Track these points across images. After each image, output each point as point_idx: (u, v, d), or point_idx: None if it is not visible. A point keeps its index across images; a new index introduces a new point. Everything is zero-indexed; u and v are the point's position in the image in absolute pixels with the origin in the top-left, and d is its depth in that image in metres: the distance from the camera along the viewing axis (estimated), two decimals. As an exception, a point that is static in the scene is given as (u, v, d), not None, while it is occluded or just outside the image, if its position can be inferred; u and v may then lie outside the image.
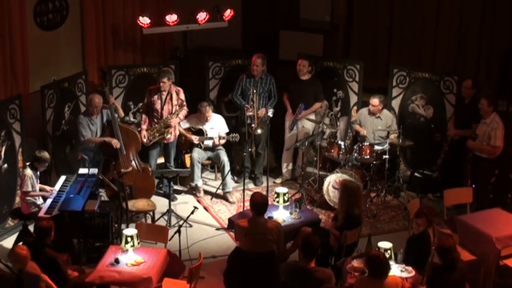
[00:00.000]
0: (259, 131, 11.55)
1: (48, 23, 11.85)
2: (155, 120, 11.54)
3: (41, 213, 9.59)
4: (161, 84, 11.36)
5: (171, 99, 11.49)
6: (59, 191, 10.19)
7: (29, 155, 10.45)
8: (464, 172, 11.33)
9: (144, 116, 11.62)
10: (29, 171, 9.94)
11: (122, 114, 11.47)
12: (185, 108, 11.62)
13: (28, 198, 9.97)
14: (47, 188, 10.30)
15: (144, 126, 11.49)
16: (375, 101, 11.69)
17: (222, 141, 11.93)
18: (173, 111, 11.50)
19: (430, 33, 13.40)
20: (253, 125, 11.57)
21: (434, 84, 11.99)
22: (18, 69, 11.00)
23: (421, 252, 8.47)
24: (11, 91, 10.88)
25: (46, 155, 10.07)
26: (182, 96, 11.66)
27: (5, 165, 10.43)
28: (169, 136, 11.58)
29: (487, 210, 9.83)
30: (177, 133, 11.79)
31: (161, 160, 12.04)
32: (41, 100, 10.98)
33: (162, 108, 11.47)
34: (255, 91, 11.55)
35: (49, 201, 9.90)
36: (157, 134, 11.49)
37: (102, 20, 12.60)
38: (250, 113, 11.65)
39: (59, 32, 12.06)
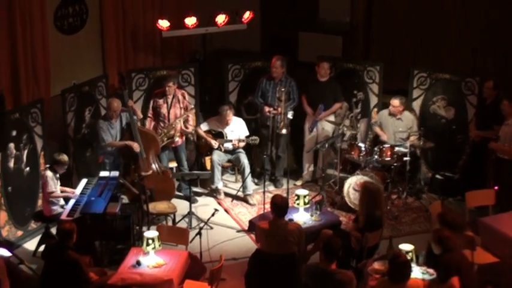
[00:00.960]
0: (284, 130, 11.52)
1: (68, 27, 11.91)
2: (161, 124, 11.56)
3: (63, 216, 9.64)
4: (167, 88, 11.39)
5: (177, 102, 11.52)
6: (80, 193, 10.24)
7: (50, 158, 10.51)
8: (486, 174, 11.26)
9: (148, 122, 11.63)
10: (49, 173, 10.02)
11: (141, 115, 11.52)
12: (191, 111, 11.65)
13: (50, 199, 10.03)
14: (68, 190, 10.35)
15: None
16: (395, 102, 11.65)
17: (242, 144, 11.93)
18: (180, 115, 11.52)
19: (451, 33, 13.30)
20: (279, 125, 11.53)
21: (456, 86, 11.94)
22: (40, 73, 11.06)
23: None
24: (33, 95, 10.93)
25: (65, 157, 10.13)
26: (188, 98, 11.70)
27: (27, 169, 10.50)
28: (177, 139, 11.59)
29: (510, 212, 9.78)
30: (182, 134, 11.81)
31: (172, 164, 12.03)
32: (62, 104, 11.04)
33: (168, 112, 11.49)
34: (283, 89, 11.52)
35: (71, 203, 9.95)
36: (165, 138, 11.50)
37: (122, 23, 12.64)
38: (275, 112, 11.63)
39: (79, 36, 12.12)
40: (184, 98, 11.63)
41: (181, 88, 12.09)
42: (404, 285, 7.48)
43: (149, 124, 11.61)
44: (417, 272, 8.14)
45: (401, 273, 7.49)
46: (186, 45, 13.86)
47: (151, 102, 11.63)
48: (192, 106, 11.85)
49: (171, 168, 11.91)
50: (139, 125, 11.37)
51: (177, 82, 11.72)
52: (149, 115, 11.66)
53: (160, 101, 11.53)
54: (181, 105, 11.58)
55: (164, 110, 11.51)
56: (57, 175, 10.14)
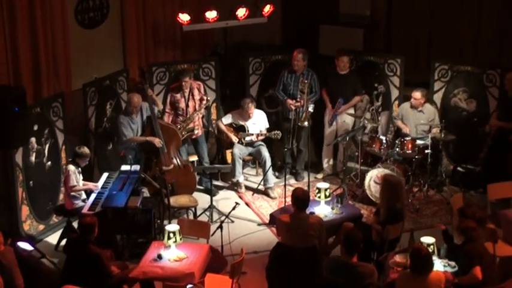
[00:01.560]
0: (306, 123, 11.51)
1: (89, 21, 11.93)
2: (180, 118, 11.58)
3: (85, 210, 9.68)
4: (183, 83, 11.43)
5: (193, 95, 11.55)
6: (101, 187, 10.27)
7: (71, 152, 10.55)
8: (508, 166, 11.18)
9: (166, 117, 11.65)
10: (71, 167, 10.05)
11: (161, 106, 11.53)
12: (204, 102, 11.68)
13: (72, 193, 10.07)
14: (90, 184, 10.40)
15: None
16: (417, 94, 11.62)
17: (261, 137, 11.93)
18: (198, 107, 11.54)
19: (472, 25, 13.23)
20: (302, 118, 11.52)
21: (477, 78, 11.88)
22: (61, 68, 11.09)
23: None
24: (54, 89, 10.97)
25: (86, 150, 10.16)
26: (203, 90, 11.75)
27: (49, 163, 10.56)
28: (197, 131, 11.62)
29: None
30: (202, 126, 11.83)
31: (193, 158, 12.05)
32: (83, 98, 11.07)
33: (187, 106, 11.52)
34: (306, 81, 11.51)
35: (92, 197, 10.00)
36: (184, 132, 11.51)
37: (142, 18, 12.65)
38: (298, 104, 11.63)
39: (99, 30, 12.13)
40: (199, 90, 11.66)
41: (198, 80, 12.09)
42: (426, 277, 7.47)
43: (167, 119, 11.64)
44: (439, 265, 8.12)
45: (423, 266, 7.48)
46: (207, 38, 13.85)
47: (169, 97, 11.67)
48: (208, 98, 11.84)
49: (192, 162, 11.93)
50: (159, 117, 11.39)
51: (192, 76, 11.73)
52: (167, 110, 11.68)
53: (178, 96, 11.56)
54: (197, 97, 11.61)
55: (182, 104, 11.55)
56: (79, 169, 10.18)
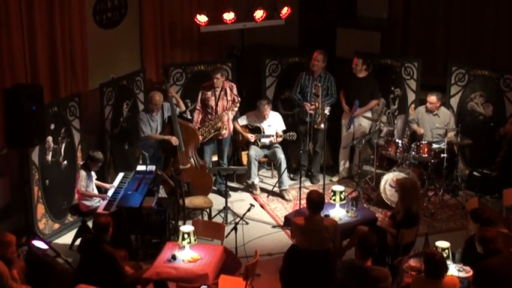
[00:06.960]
0: (322, 125, 11.49)
1: (107, 21, 11.95)
2: (209, 116, 11.59)
3: (100, 210, 9.72)
4: (215, 80, 11.43)
5: (225, 95, 11.56)
6: (117, 187, 10.30)
7: (87, 152, 10.57)
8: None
9: (196, 115, 11.67)
10: (82, 172, 10.07)
11: (183, 107, 11.54)
12: (237, 104, 11.68)
13: (84, 199, 10.10)
14: (106, 185, 10.43)
15: (197, 126, 11.55)
16: (432, 98, 11.60)
17: (279, 139, 11.93)
18: (227, 107, 11.54)
19: (490, 29, 13.17)
20: (317, 120, 11.51)
21: (494, 82, 11.84)
22: (78, 67, 11.12)
23: (479, 252, 8.35)
24: (71, 89, 11.00)
25: (100, 155, 10.16)
26: (235, 91, 11.72)
27: (65, 162, 10.60)
28: (224, 132, 11.63)
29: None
30: (231, 127, 11.84)
31: (214, 158, 12.08)
32: (100, 98, 11.10)
33: (216, 105, 11.53)
34: (319, 84, 11.51)
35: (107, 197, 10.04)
36: (212, 131, 11.55)
37: (160, 18, 12.67)
38: (313, 107, 11.61)
39: (117, 30, 12.15)
40: (231, 91, 11.66)
41: (230, 81, 12.10)
42: (440, 282, 7.45)
43: (197, 116, 11.66)
44: (453, 270, 8.09)
45: (437, 270, 7.47)
46: (224, 40, 13.86)
47: (200, 95, 11.66)
48: (239, 99, 11.82)
49: (215, 162, 11.97)
50: (183, 115, 11.41)
51: (225, 74, 11.74)
52: (198, 107, 11.70)
53: (209, 93, 11.56)
54: (229, 98, 11.60)
55: (212, 103, 11.55)
56: (91, 173, 10.19)
